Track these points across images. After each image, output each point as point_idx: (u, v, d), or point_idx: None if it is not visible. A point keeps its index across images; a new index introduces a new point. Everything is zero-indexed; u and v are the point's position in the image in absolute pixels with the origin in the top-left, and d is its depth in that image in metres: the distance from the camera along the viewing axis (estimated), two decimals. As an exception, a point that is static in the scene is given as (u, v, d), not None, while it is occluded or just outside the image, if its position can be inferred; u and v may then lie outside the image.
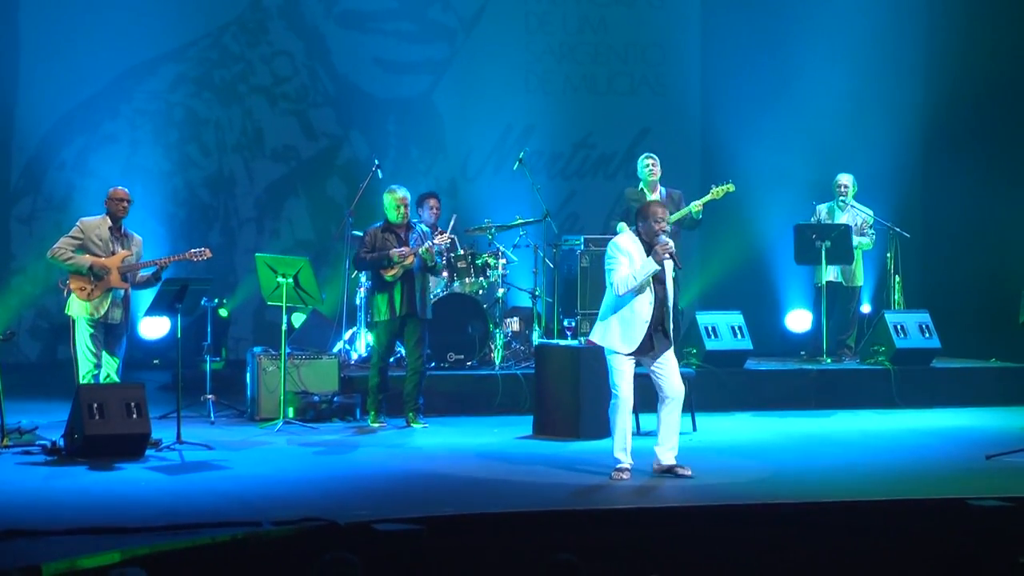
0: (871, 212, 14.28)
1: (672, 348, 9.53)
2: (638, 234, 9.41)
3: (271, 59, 16.02)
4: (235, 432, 11.40)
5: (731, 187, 13.31)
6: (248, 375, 12.40)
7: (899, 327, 13.68)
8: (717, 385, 13.02)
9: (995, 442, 10.83)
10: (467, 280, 13.23)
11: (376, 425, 11.73)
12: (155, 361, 14.83)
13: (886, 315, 13.82)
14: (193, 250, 11.09)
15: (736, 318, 13.45)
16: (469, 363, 13.00)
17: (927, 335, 13.71)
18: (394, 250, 11.64)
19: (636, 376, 9.50)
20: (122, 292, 10.72)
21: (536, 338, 13.19)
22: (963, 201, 15.67)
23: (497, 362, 12.98)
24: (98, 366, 10.63)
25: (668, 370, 9.45)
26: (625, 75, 16.81)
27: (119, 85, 15.57)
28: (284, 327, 11.66)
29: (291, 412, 11.85)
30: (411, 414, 11.82)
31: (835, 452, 10.95)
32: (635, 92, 16.82)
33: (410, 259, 11.64)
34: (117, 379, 10.63)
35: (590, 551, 7.18)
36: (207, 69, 15.86)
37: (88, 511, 8.19)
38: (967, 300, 15.32)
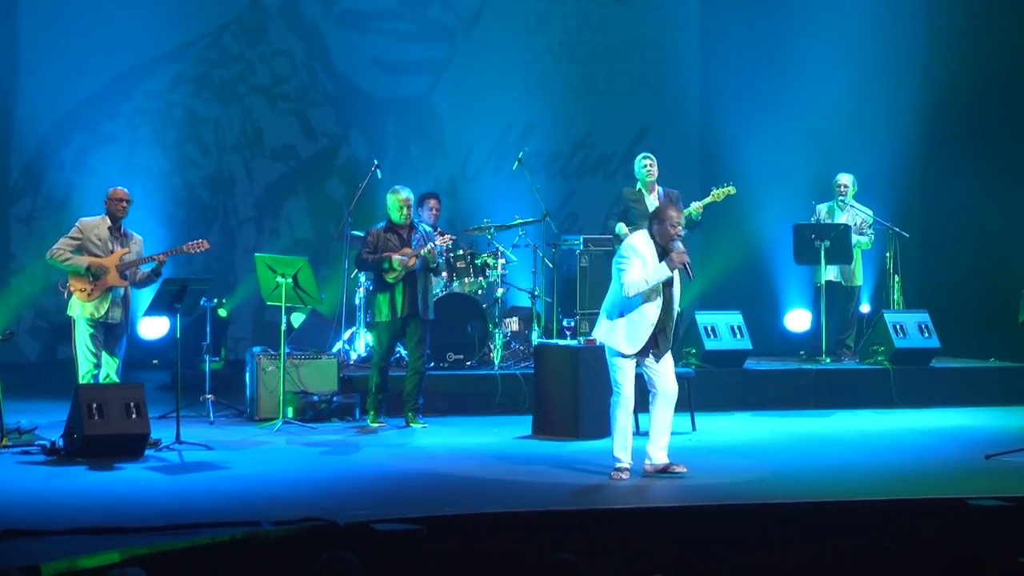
0: (871, 212, 14.28)
1: (670, 348, 9.54)
2: (652, 236, 9.37)
3: (270, 59, 16.02)
4: (234, 432, 11.40)
5: (732, 189, 13.30)
6: (247, 375, 12.40)
7: (898, 327, 13.68)
8: (716, 385, 13.02)
9: (995, 442, 10.83)
10: (466, 280, 13.24)
11: (376, 425, 11.73)
12: (154, 361, 14.82)
13: (885, 315, 13.82)
14: (190, 242, 11.07)
15: (735, 318, 13.45)
16: (468, 363, 13.00)
17: (926, 335, 13.71)
18: (396, 257, 11.60)
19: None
20: (122, 291, 10.71)
21: (535, 338, 13.19)
22: (963, 201, 15.67)
23: (496, 362, 12.97)
24: (98, 366, 10.62)
25: (665, 369, 9.45)
26: (624, 75, 16.81)
27: (118, 85, 15.57)
28: (283, 327, 11.66)
29: (290, 412, 11.84)
30: (411, 414, 11.82)
31: (834, 452, 10.95)
32: (634, 92, 16.82)
33: (412, 261, 11.62)
34: (117, 379, 10.63)
35: (590, 551, 7.18)
36: (206, 69, 15.86)
37: (87, 511, 8.19)
38: (966, 300, 15.32)
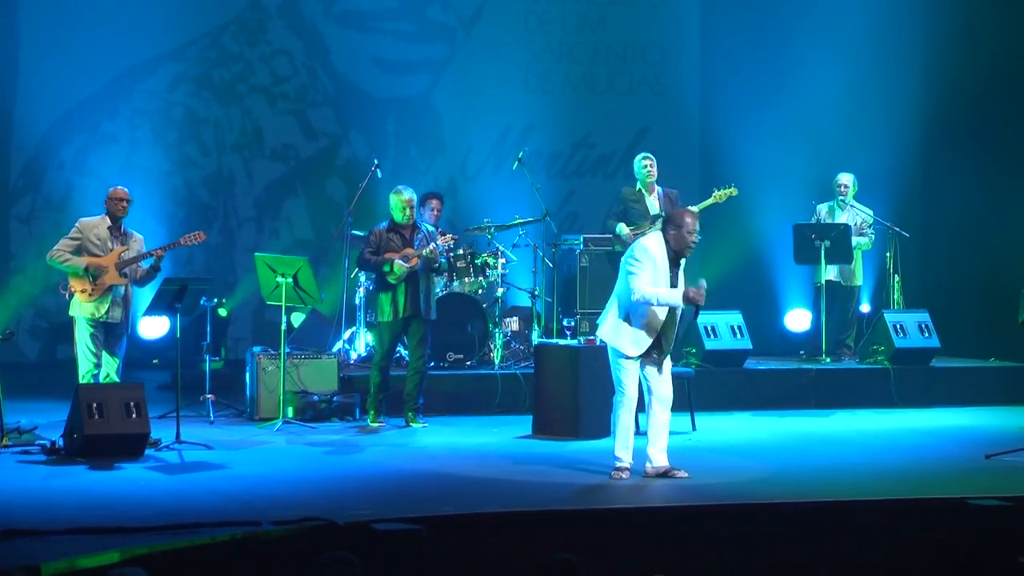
0: (871, 212, 14.27)
1: (670, 351, 9.55)
2: (666, 240, 9.32)
3: (270, 59, 16.01)
4: (234, 432, 11.40)
5: (734, 191, 13.29)
6: (247, 375, 12.40)
7: (898, 326, 13.68)
8: (716, 385, 13.02)
9: (995, 441, 10.83)
10: (466, 280, 13.23)
11: (376, 425, 11.72)
12: (154, 361, 14.81)
13: (885, 315, 13.82)
14: (187, 235, 11.07)
15: (735, 317, 13.45)
16: (468, 363, 13.00)
17: (926, 334, 13.71)
18: (398, 261, 11.59)
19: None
20: (122, 290, 10.71)
21: (535, 338, 13.18)
22: (963, 201, 15.67)
23: (496, 362, 12.97)
24: (98, 366, 10.63)
25: (663, 372, 9.45)
26: (624, 74, 16.81)
27: (118, 84, 15.56)
28: (283, 327, 11.66)
29: (290, 412, 11.84)
30: (411, 414, 11.81)
31: (834, 452, 10.95)
32: (634, 91, 16.82)
33: (414, 262, 11.61)
34: (117, 379, 10.63)
35: (590, 551, 7.18)
36: (206, 69, 15.85)
37: (87, 511, 8.19)
38: (966, 300, 15.32)
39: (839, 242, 13.83)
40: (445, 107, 16.35)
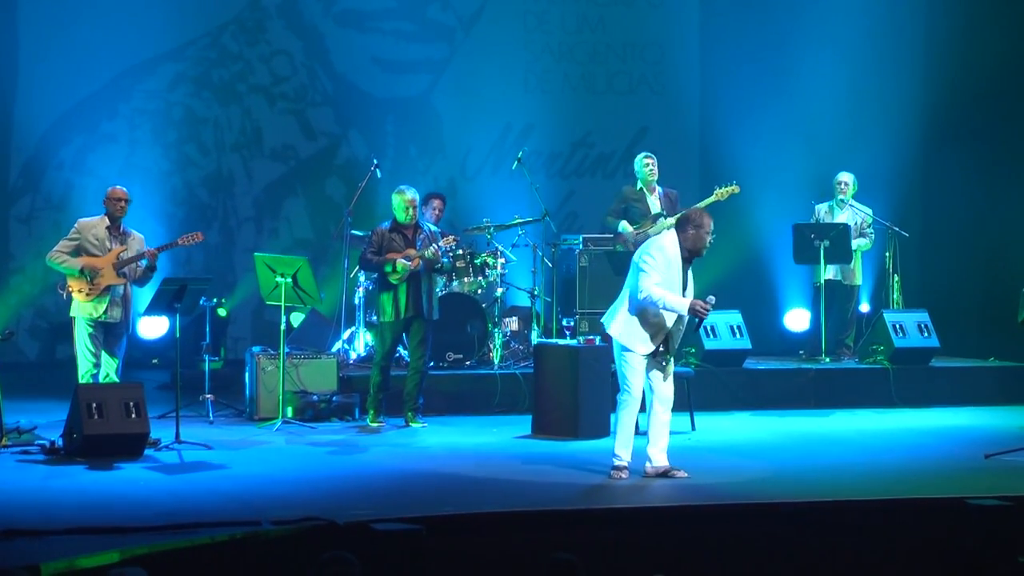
0: (870, 211, 14.27)
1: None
2: (683, 239, 9.28)
3: (270, 58, 16.01)
4: (234, 432, 11.39)
5: (736, 188, 13.27)
6: (247, 375, 12.39)
7: (898, 326, 13.68)
8: (716, 384, 13.02)
9: (994, 441, 10.83)
10: (466, 279, 13.23)
11: (375, 425, 11.72)
12: (154, 361, 14.81)
13: (885, 314, 13.82)
14: (185, 235, 11.07)
15: (735, 317, 13.45)
16: (468, 363, 13.00)
17: (926, 334, 13.71)
18: (400, 261, 11.58)
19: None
20: (121, 290, 10.71)
21: (535, 338, 13.18)
22: (962, 200, 15.67)
23: (496, 362, 12.97)
24: (97, 366, 10.62)
25: (667, 372, 9.45)
26: (624, 74, 16.81)
27: (118, 84, 15.56)
28: (283, 327, 11.66)
29: (290, 412, 11.84)
30: (410, 414, 11.81)
31: (834, 451, 10.95)
32: (634, 91, 16.81)
33: (415, 263, 11.60)
34: (116, 379, 10.62)
35: (590, 551, 7.18)
36: (206, 68, 15.85)
37: (87, 511, 8.19)
38: (966, 299, 15.31)
39: (838, 242, 13.83)
40: (445, 107, 16.35)
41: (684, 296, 9.30)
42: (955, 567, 6.71)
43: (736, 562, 7.87)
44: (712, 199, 13.19)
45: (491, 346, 13.04)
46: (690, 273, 9.36)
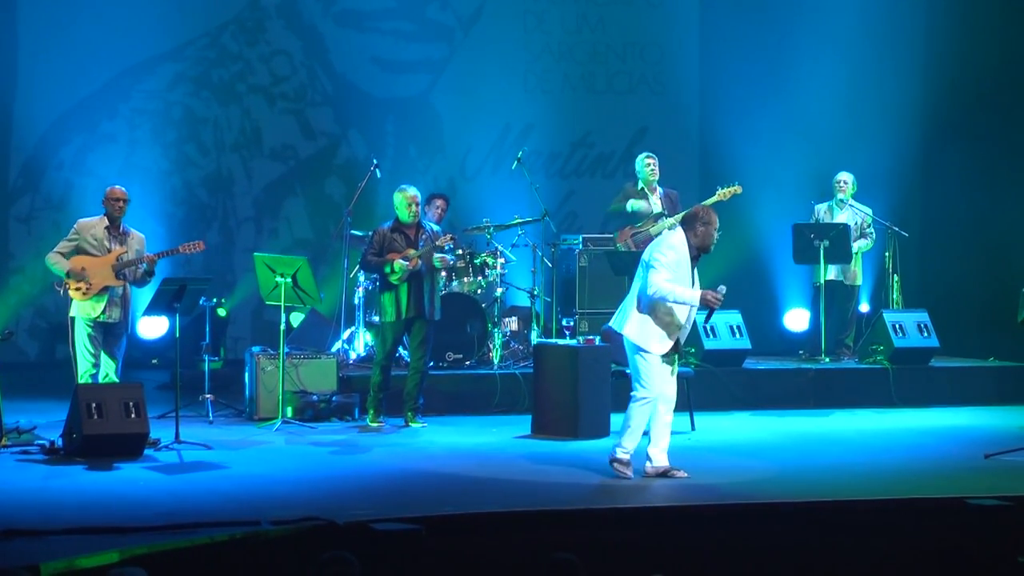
0: (870, 211, 14.27)
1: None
2: (691, 237, 9.27)
3: (269, 58, 16.00)
4: (233, 432, 11.39)
5: (738, 189, 13.27)
6: (246, 375, 12.39)
7: (897, 326, 13.68)
8: (716, 384, 13.02)
9: (994, 441, 10.83)
10: (465, 279, 13.23)
11: (375, 424, 11.72)
12: (153, 361, 14.81)
13: (884, 314, 13.82)
14: (186, 244, 11.05)
15: (735, 317, 13.44)
16: (468, 363, 13.00)
17: (925, 334, 13.71)
18: (398, 261, 11.57)
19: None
20: (120, 290, 10.70)
21: (534, 338, 13.18)
22: (962, 200, 15.67)
23: (496, 362, 12.97)
24: (96, 366, 10.62)
25: (672, 372, 9.45)
26: (623, 74, 16.80)
27: (117, 84, 15.56)
28: (283, 326, 11.65)
29: (289, 412, 11.84)
30: (410, 414, 11.81)
31: (834, 451, 10.95)
32: (633, 91, 16.81)
33: (414, 263, 11.60)
34: (116, 379, 10.62)
35: (590, 551, 7.17)
36: (205, 68, 15.85)
37: (86, 511, 8.19)
38: (966, 299, 15.32)
39: (838, 242, 13.83)
40: (444, 107, 16.35)
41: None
42: (955, 567, 6.71)
43: (736, 562, 7.87)
44: (715, 199, 13.17)
45: (491, 346, 13.04)
46: (696, 271, 9.36)
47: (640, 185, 13.42)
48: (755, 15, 16.46)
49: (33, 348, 15.36)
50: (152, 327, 14.59)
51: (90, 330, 10.61)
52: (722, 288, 9.24)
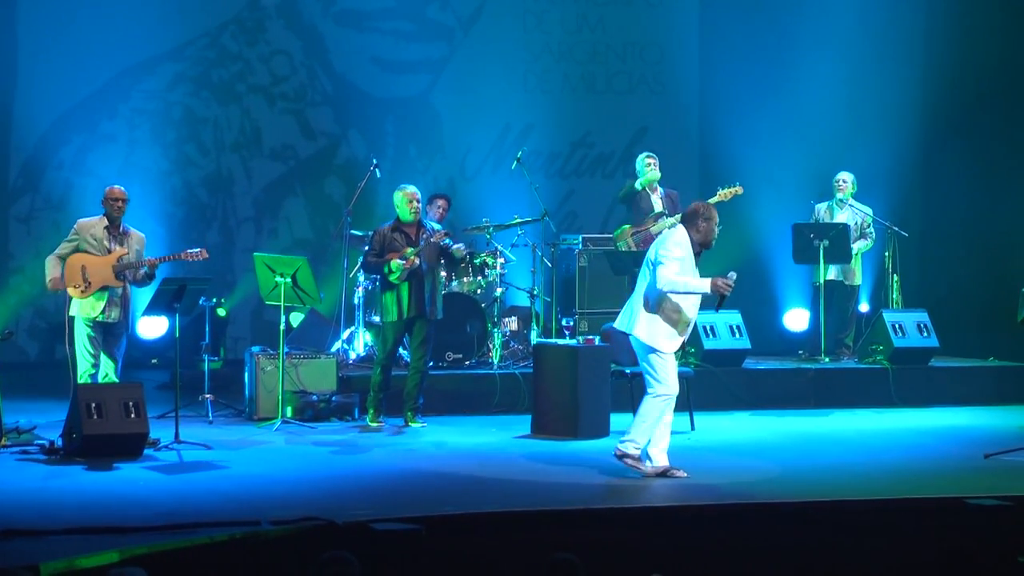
0: (870, 211, 14.27)
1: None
2: (693, 233, 9.30)
3: (269, 58, 16.00)
4: (233, 431, 11.39)
5: (739, 189, 13.27)
6: (246, 374, 12.39)
7: (897, 326, 13.68)
8: (715, 384, 13.02)
9: (994, 441, 10.83)
10: (465, 279, 13.23)
11: (375, 424, 11.71)
12: (153, 361, 14.82)
13: (884, 314, 13.82)
14: (189, 251, 11.03)
15: (734, 317, 13.45)
16: (467, 362, 13.00)
17: (925, 334, 13.71)
18: (395, 261, 11.57)
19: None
20: (119, 291, 10.70)
21: (534, 337, 13.18)
22: (962, 200, 15.68)
23: (495, 361, 12.96)
24: (96, 366, 10.61)
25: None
26: (623, 74, 16.80)
27: (117, 84, 15.56)
28: (282, 326, 11.65)
29: (289, 411, 11.84)
30: (410, 413, 11.81)
31: (833, 451, 10.95)
32: (633, 91, 16.81)
33: (411, 261, 11.59)
34: (116, 379, 10.61)
35: (590, 551, 7.17)
36: (205, 68, 15.85)
37: (86, 511, 8.19)
38: (965, 299, 15.32)
39: (838, 242, 13.83)
40: (444, 107, 16.35)
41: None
42: (955, 567, 6.70)
43: (736, 562, 7.87)
44: (716, 200, 13.17)
45: (491, 346, 13.04)
46: (697, 270, 9.37)
47: (640, 184, 13.43)
48: (755, 15, 16.46)
49: (33, 348, 15.36)
50: (152, 327, 14.59)
51: (90, 330, 10.60)
52: (732, 274, 9.26)
